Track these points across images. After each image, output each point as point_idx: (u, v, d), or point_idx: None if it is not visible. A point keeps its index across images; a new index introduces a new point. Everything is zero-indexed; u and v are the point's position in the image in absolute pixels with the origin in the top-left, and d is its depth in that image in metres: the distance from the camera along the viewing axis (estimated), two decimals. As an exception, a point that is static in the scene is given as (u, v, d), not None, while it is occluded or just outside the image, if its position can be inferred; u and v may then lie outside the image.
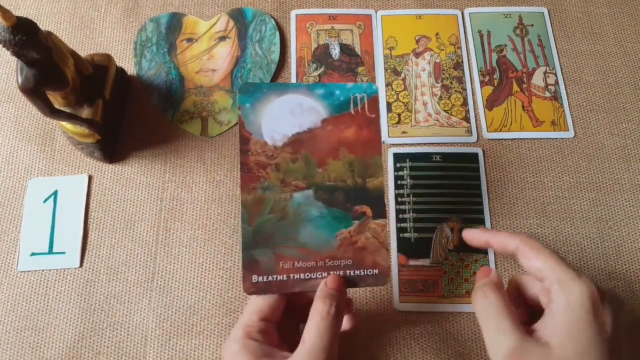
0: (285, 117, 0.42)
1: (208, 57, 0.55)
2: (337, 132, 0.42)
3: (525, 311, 0.34)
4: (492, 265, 0.47)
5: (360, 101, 0.42)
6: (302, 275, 0.39)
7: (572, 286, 0.28)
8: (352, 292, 0.46)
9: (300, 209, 0.41)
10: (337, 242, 0.40)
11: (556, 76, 0.55)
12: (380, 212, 0.41)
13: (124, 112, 0.53)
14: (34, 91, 0.41)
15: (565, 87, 0.54)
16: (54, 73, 0.42)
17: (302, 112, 0.42)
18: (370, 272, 0.40)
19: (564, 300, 0.28)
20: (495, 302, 0.31)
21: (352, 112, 0.42)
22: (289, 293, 0.39)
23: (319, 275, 0.39)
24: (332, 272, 0.39)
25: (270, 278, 0.39)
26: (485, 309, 0.31)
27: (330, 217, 0.40)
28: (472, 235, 0.39)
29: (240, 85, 0.46)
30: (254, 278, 0.39)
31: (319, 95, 0.42)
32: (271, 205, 0.40)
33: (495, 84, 0.54)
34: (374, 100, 0.42)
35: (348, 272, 0.40)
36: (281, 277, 0.39)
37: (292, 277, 0.39)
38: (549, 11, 0.58)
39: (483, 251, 0.48)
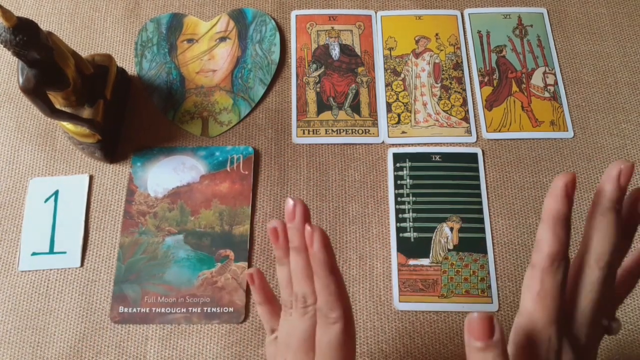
0: (168, 173, 0.49)
1: (208, 58, 0.56)
2: (212, 186, 0.49)
3: None
4: (491, 265, 0.48)
5: (237, 161, 0.49)
6: (163, 310, 0.45)
7: None
8: (351, 292, 0.47)
9: (170, 251, 0.47)
10: (199, 281, 0.46)
11: (555, 76, 0.55)
12: (242, 255, 0.47)
13: (124, 112, 0.53)
14: (35, 91, 0.41)
15: (565, 88, 0.55)
16: (54, 73, 0.42)
17: (183, 170, 0.49)
18: (226, 309, 0.45)
19: None
20: None
21: (228, 169, 0.49)
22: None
23: (178, 310, 0.45)
24: (189, 309, 0.45)
25: (135, 310, 0.45)
26: None
27: (196, 259, 0.47)
28: None
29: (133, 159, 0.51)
30: (121, 309, 0.45)
31: (201, 156, 0.50)
32: (144, 247, 0.47)
33: (495, 85, 0.55)
34: (248, 159, 0.49)
35: (205, 309, 0.45)
36: (144, 310, 0.45)
37: (154, 311, 0.45)
38: (548, 12, 0.58)
39: (482, 251, 0.48)
